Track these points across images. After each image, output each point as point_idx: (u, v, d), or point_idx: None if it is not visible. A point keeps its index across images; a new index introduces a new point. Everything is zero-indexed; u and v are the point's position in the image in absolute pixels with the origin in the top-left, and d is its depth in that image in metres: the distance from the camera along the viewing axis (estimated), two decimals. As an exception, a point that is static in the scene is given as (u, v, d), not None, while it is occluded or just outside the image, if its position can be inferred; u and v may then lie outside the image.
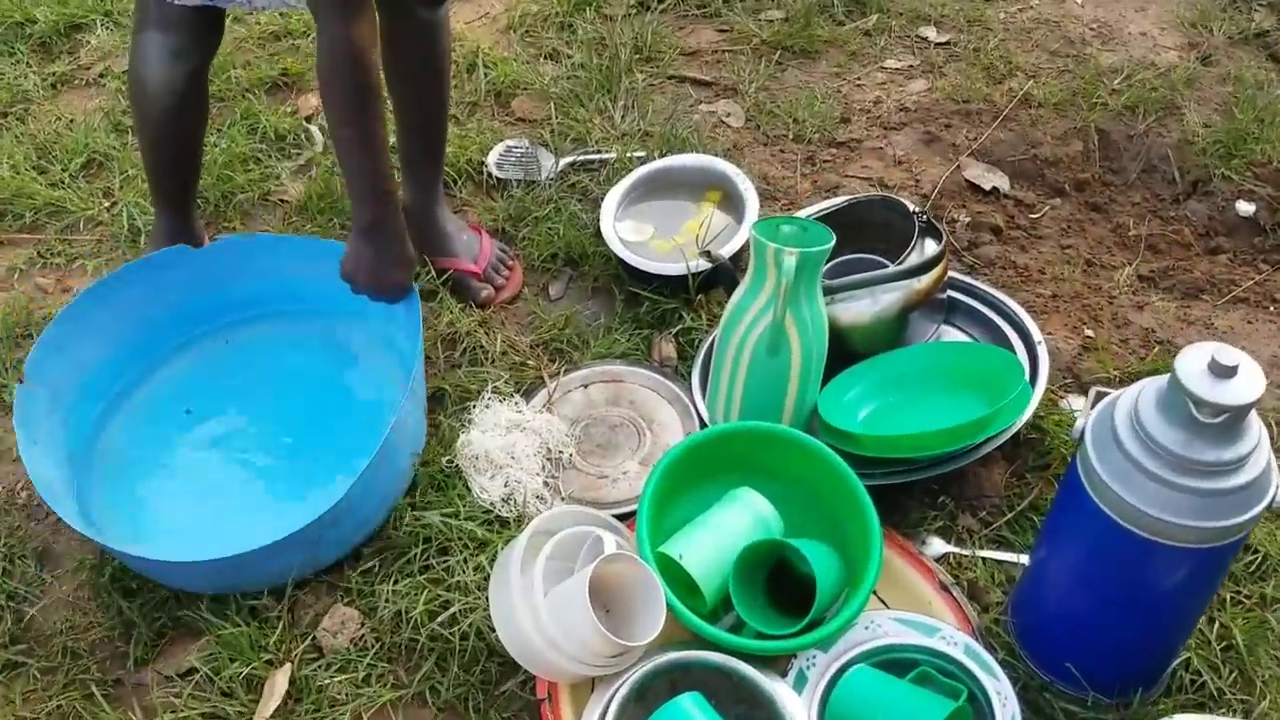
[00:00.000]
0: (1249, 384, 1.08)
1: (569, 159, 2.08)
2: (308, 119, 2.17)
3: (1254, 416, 1.12)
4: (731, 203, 1.92)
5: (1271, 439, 1.55)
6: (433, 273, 1.78)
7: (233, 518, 1.52)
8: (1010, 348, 1.60)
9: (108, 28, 2.39)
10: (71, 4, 2.41)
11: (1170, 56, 2.35)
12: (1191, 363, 1.10)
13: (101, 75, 2.28)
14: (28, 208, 1.97)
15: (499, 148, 2.10)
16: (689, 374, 1.68)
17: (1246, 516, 1.12)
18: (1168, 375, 1.12)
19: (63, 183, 2.02)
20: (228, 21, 1.61)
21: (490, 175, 2.05)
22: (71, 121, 2.15)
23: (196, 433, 1.63)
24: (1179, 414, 1.10)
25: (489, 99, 2.25)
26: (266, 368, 1.71)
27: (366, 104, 1.41)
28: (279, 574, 1.40)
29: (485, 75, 2.28)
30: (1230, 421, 1.09)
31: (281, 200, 2.01)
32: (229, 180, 1.99)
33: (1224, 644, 1.36)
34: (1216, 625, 1.37)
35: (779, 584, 1.39)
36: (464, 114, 2.21)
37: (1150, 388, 1.15)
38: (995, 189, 2.03)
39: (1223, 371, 1.08)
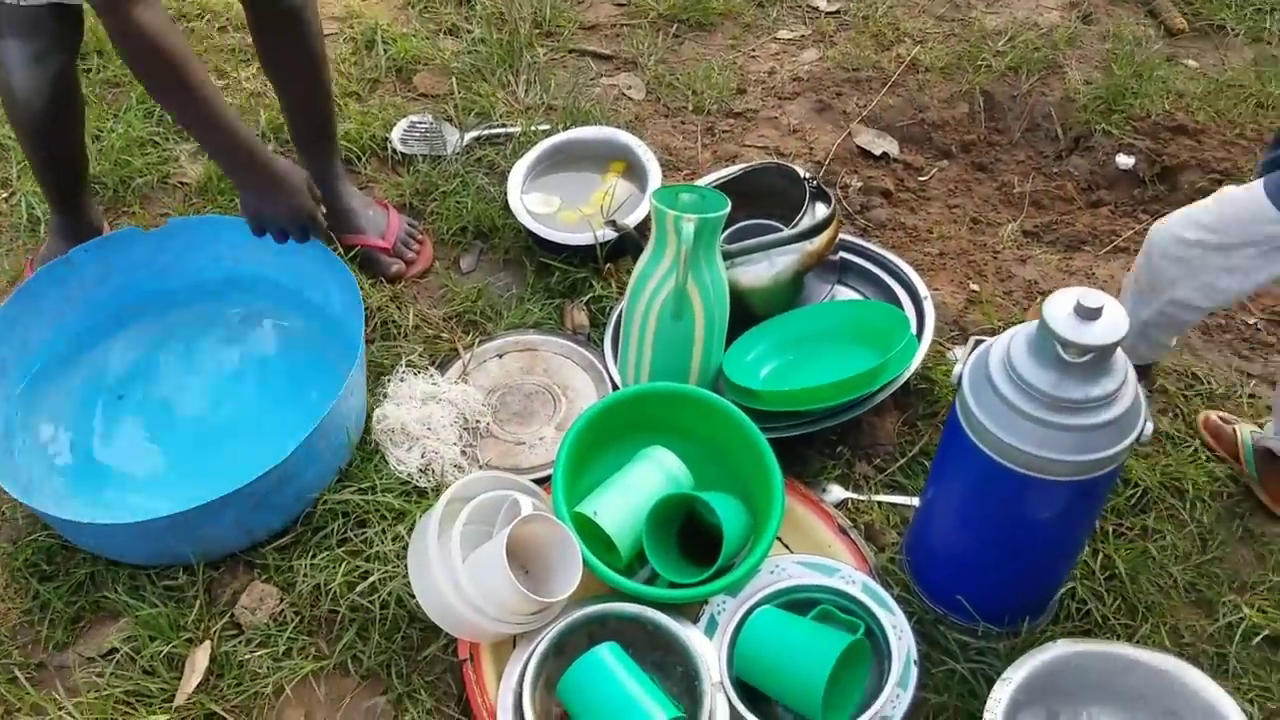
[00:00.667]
0: (1112, 325, 1.15)
1: (474, 133, 2.10)
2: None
3: (1120, 355, 1.19)
4: (635, 173, 1.96)
5: (1153, 381, 1.68)
6: (339, 250, 1.80)
7: (168, 488, 1.52)
8: (899, 304, 1.68)
9: None
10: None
11: (1052, 16, 2.44)
12: (1058, 307, 1.17)
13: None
14: (-78, 200, 1.93)
15: (403, 123, 2.11)
16: (601, 341, 1.73)
17: (1116, 449, 1.20)
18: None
19: (-45, 174, 1.98)
20: (89, 18, 1.58)
21: (395, 151, 2.06)
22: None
23: (132, 409, 1.64)
24: (1048, 356, 1.17)
25: (390, 75, 2.26)
26: (209, 347, 1.72)
27: (174, 78, 1.38)
28: (212, 541, 1.42)
29: (385, 51, 2.28)
30: (1096, 360, 1.16)
31: (181, 182, 2.00)
32: (127, 165, 1.98)
33: (1108, 574, 1.46)
34: (1100, 556, 1.47)
35: (689, 536, 1.45)
36: (365, 90, 2.21)
37: (1021, 333, 1.23)
38: (885, 154, 2.11)
39: (1087, 314, 1.15)
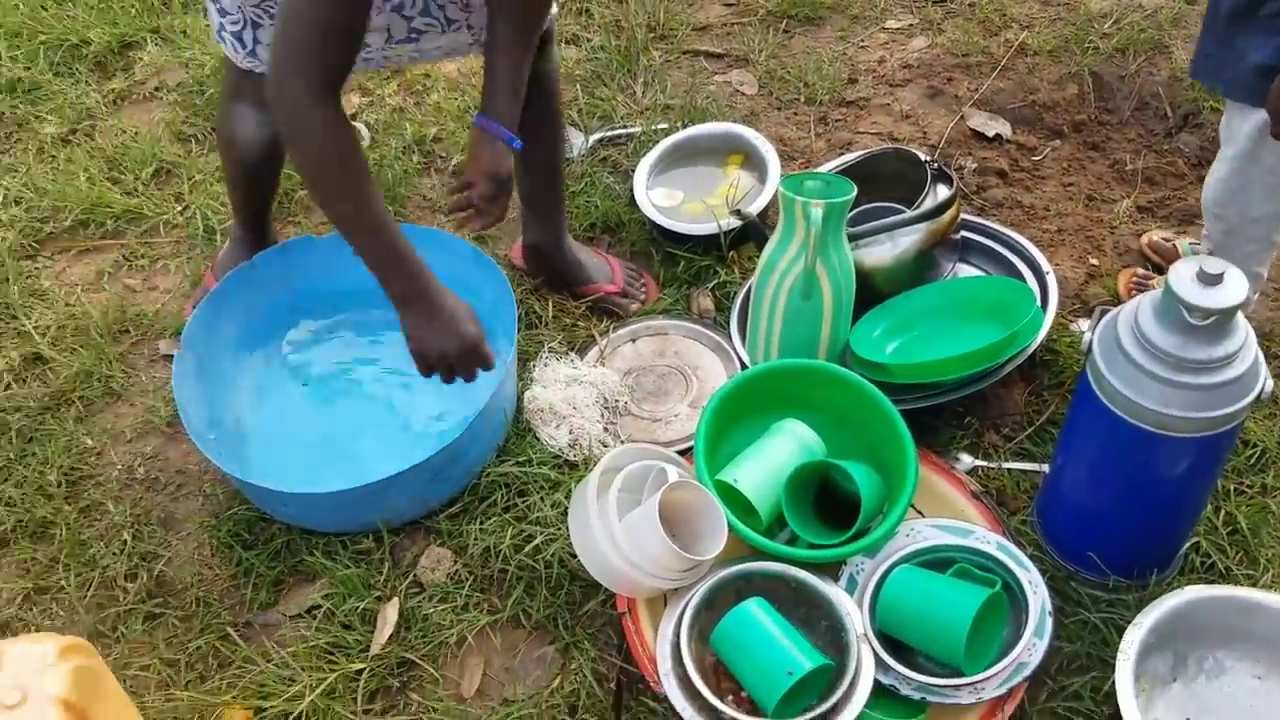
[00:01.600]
0: (1233, 289, 1.23)
1: (597, 135, 2.23)
2: (352, 116, 2.33)
3: (1240, 319, 1.26)
4: (754, 164, 2.07)
5: (1266, 348, 1.72)
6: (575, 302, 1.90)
7: (351, 467, 1.66)
8: (1021, 279, 1.75)
9: (157, 44, 2.55)
10: (122, 24, 2.56)
11: (1157, -2, 2.48)
12: (1182, 274, 1.24)
13: (157, 89, 2.44)
14: (107, 216, 2.14)
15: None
16: (727, 323, 1.84)
17: (1239, 406, 1.27)
18: (1162, 287, 1.27)
19: (137, 191, 2.19)
20: None
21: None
22: (136, 134, 2.31)
23: (314, 398, 1.80)
24: (1173, 319, 1.25)
25: (518, 85, 2.40)
26: (375, 344, 1.86)
27: (332, 181, 1.34)
28: (394, 510, 1.57)
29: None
30: (1219, 323, 1.23)
31: (338, 193, 2.17)
32: (290, 178, 2.15)
33: (1230, 529, 1.52)
34: (1223, 513, 1.53)
35: (826, 502, 1.55)
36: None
37: (1147, 300, 1.30)
38: (998, 135, 2.18)
39: (1209, 280, 1.22)
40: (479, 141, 1.58)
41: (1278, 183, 1.57)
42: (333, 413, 1.78)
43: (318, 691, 1.42)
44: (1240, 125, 1.54)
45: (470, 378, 1.49)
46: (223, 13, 1.54)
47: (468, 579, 1.55)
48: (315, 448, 1.72)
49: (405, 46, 1.59)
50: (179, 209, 2.15)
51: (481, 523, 1.59)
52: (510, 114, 1.56)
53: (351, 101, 2.36)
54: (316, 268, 1.83)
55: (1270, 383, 1.29)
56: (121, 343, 1.92)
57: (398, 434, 1.73)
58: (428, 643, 1.48)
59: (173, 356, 1.69)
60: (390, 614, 1.51)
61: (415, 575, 1.56)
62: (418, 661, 1.47)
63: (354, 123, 2.30)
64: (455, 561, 1.57)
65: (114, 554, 1.62)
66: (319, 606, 1.53)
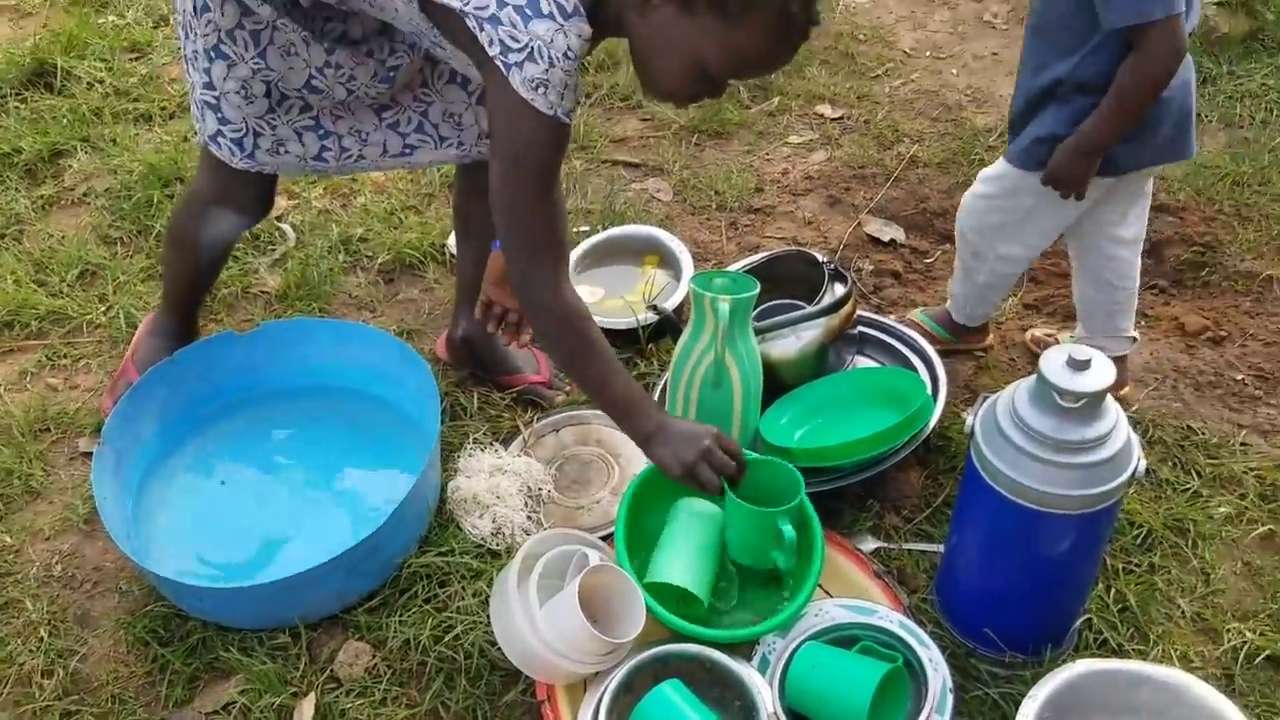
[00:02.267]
0: (1100, 374, 1.33)
1: (520, 238, 2.31)
2: (278, 218, 2.39)
3: (1110, 402, 1.36)
4: (669, 264, 2.18)
5: (1146, 429, 1.84)
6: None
7: (269, 561, 1.69)
8: (915, 370, 1.86)
9: (87, 152, 2.60)
10: (53, 133, 2.61)
11: (1037, 115, 2.68)
12: (1053, 360, 1.35)
13: (85, 195, 2.48)
14: (32, 317, 2.15)
15: (457, 231, 2.33)
16: (644, 416, 1.91)
17: (1115, 484, 1.36)
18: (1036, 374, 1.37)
19: (62, 292, 2.21)
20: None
21: (452, 256, 2.28)
22: (64, 238, 2.34)
23: (233, 494, 1.81)
24: (1047, 403, 1.35)
25: (443, 189, 2.50)
26: (295, 439, 1.90)
27: (588, 356, 1.51)
28: (312, 605, 1.59)
29: (439, 170, 2.52)
30: (1089, 405, 1.34)
31: (262, 291, 2.22)
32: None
33: (1120, 606, 1.60)
34: (1113, 591, 1.62)
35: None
36: (422, 204, 2.45)
37: (1023, 386, 1.41)
38: (893, 240, 2.33)
39: (1078, 365, 1.33)
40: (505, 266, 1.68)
41: (1033, 226, 1.80)
42: (253, 508, 1.79)
43: (233, 789, 1.41)
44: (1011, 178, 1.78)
45: (717, 487, 1.55)
46: (223, 121, 1.61)
47: (386, 673, 1.56)
48: (235, 542, 1.73)
49: (399, 159, 1.71)
50: (102, 309, 2.18)
51: (401, 615, 1.61)
52: None
53: (278, 204, 2.42)
54: (237, 363, 1.87)
55: (1143, 463, 1.38)
56: (42, 441, 1.93)
57: (319, 528, 1.75)
58: (344, 737, 1.49)
59: (91, 454, 1.70)
60: (306, 710, 1.51)
61: (333, 670, 1.56)
62: (333, 759, 1.47)
63: (279, 224, 2.37)
64: (374, 655, 1.58)
65: (30, 651, 1.60)
66: (234, 703, 1.52)
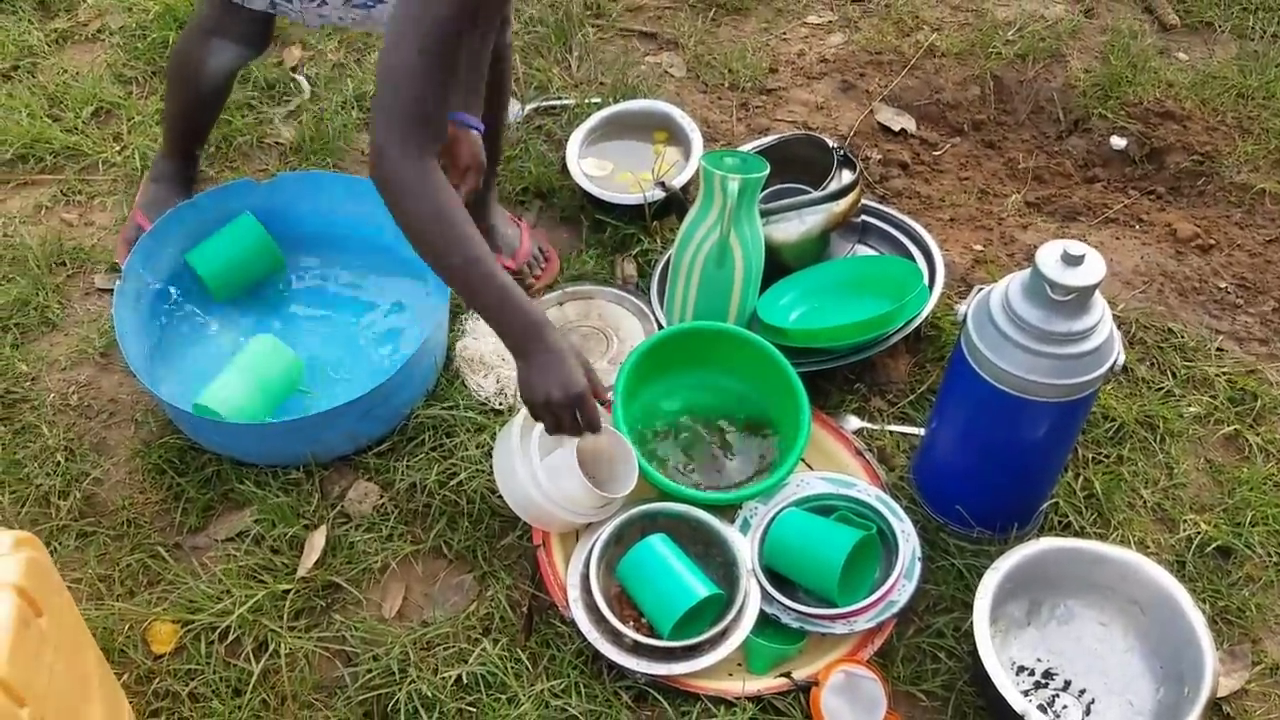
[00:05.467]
0: (1092, 270, 1.39)
1: (533, 105, 2.33)
2: (294, 69, 2.39)
3: (1098, 297, 1.42)
4: (678, 142, 2.19)
5: (1129, 328, 1.91)
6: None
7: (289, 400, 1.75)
8: (914, 261, 1.91)
9: (101, -14, 2.57)
10: (65, -38, 2.57)
11: (1057, 10, 2.66)
12: (1048, 254, 1.40)
13: (100, 31, 2.46)
14: (46, 151, 2.17)
15: (469, 95, 2.34)
16: (648, 289, 1.96)
17: (1095, 375, 1.43)
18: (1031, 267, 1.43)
19: (77, 129, 2.22)
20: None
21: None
22: (78, 74, 2.34)
23: (252, 331, 1.85)
24: (1039, 296, 1.41)
25: (456, 51, 2.48)
26: (311, 289, 1.95)
27: (451, 243, 1.34)
28: (325, 445, 1.66)
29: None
30: (1079, 300, 1.39)
31: (277, 143, 2.23)
32: (228, 125, 2.21)
33: (1086, 493, 1.69)
34: (1081, 478, 1.70)
35: None
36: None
37: (1017, 278, 1.46)
38: (903, 130, 2.34)
39: (1072, 260, 1.38)
40: (455, 138, 1.65)
41: None
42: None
43: (245, 607, 1.51)
44: None
45: (575, 428, 1.45)
46: None
47: (393, 512, 1.65)
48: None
49: (359, 11, 1.68)
50: (117, 148, 2.19)
51: (409, 460, 1.69)
52: (475, 105, 1.66)
53: (293, 54, 2.42)
54: (253, 210, 1.90)
55: (1123, 356, 1.46)
56: (58, 274, 1.98)
57: (332, 373, 1.81)
58: (352, 568, 1.58)
59: (107, 290, 1.75)
60: (318, 541, 1.60)
61: (343, 507, 1.65)
62: (342, 585, 1.57)
63: (295, 75, 2.36)
64: (382, 496, 1.67)
65: (47, 474, 1.68)
66: (248, 531, 1.62)
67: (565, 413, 1.43)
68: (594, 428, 1.48)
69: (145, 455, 1.72)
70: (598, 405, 1.46)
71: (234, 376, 1.67)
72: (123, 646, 1.50)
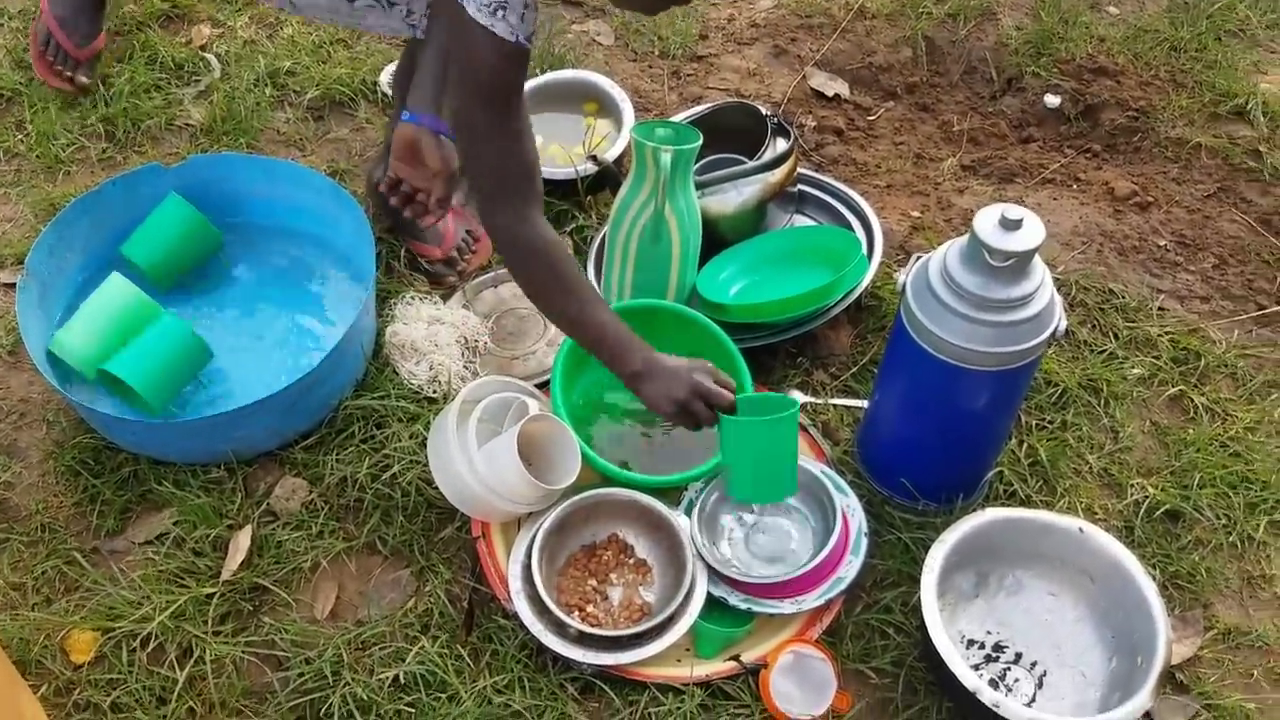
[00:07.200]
0: (1031, 234, 1.36)
1: (457, 78, 2.24)
2: (202, 48, 2.28)
3: (1038, 262, 1.39)
4: (609, 113, 2.13)
5: (1070, 290, 1.90)
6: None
7: (206, 396, 1.69)
8: (851, 229, 1.88)
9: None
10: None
11: (987, -32, 2.63)
12: (986, 219, 1.37)
13: (-3, 15, 2.34)
14: (-57, 141, 2.06)
15: (390, 68, 2.25)
16: (584, 266, 1.91)
17: (1035, 342, 1.41)
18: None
19: (-27, 116, 2.11)
20: None
21: (384, 94, 2.21)
22: (-26, 52, 2.22)
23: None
24: (977, 262, 1.38)
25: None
26: (229, 274, 1.87)
27: (562, 292, 1.45)
28: (247, 441, 1.59)
29: None
30: (1017, 265, 1.36)
31: (187, 124, 2.13)
32: (136, 108, 2.11)
33: (1031, 460, 1.68)
34: (1025, 446, 1.69)
35: None
36: (352, 38, 2.35)
37: (955, 245, 1.43)
38: (837, 95, 2.30)
39: (1010, 225, 1.35)
40: (422, 141, 1.61)
41: None
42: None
43: (167, 613, 1.45)
44: None
45: (710, 415, 1.47)
46: None
47: (323, 508, 1.59)
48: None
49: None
50: (19, 137, 2.08)
51: (338, 454, 1.63)
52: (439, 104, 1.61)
53: (201, 32, 2.31)
54: (163, 196, 1.81)
55: (1064, 322, 1.43)
56: (-48, 266, 1.87)
57: (251, 367, 1.74)
58: (281, 568, 1.52)
59: (13, 285, 1.66)
60: (242, 541, 1.53)
61: (269, 505, 1.59)
62: (270, 586, 1.51)
63: (203, 53, 2.26)
64: (310, 492, 1.61)
65: (-46, 481, 1.60)
66: (168, 534, 1.55)
67: (696, 403, 1.46)
68: (728, 405, 1.48)
69: (58, 456, 1.63)
70: (711, 383, 1.47)
71: (78, 322, 1.62)
72: (40, 657, 1.43)
